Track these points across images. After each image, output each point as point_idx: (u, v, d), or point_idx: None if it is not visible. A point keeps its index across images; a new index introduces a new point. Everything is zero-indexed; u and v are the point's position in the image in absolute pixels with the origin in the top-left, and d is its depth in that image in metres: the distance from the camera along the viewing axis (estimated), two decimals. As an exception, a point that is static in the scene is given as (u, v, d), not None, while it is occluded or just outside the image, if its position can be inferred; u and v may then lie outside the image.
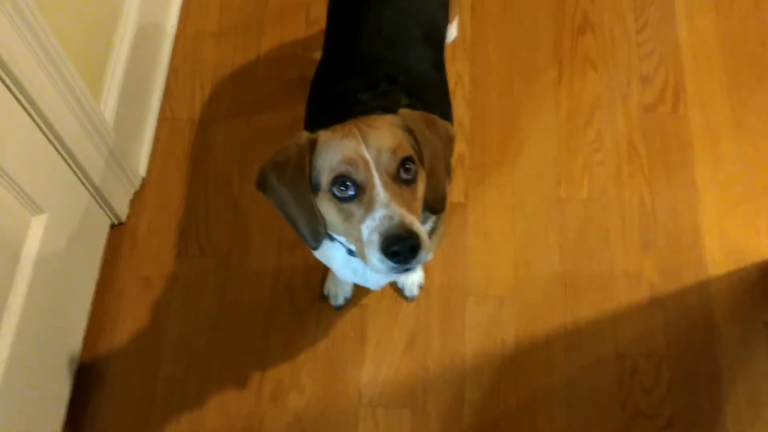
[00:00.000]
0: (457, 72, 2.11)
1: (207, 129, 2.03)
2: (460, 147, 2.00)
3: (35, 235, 1.46)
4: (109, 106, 1.76)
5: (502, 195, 1.94)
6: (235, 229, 1.90)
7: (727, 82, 2.10)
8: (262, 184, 1.14)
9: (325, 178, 1.08)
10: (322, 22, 2.15)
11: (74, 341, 1.71)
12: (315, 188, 1.10)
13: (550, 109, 2.06)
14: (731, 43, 2.16)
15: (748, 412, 1.71)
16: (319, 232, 1.12)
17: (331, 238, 1.24)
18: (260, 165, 1.14)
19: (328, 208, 1.10)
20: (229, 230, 1.90)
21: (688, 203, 1.94)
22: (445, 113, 1.49)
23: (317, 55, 2.11)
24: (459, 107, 2.05)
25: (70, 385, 1.68)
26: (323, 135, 1.11)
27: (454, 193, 1.93)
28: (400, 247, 1.01)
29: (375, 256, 1.03)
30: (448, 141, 1.21)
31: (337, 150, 1.07)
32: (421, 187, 1.13)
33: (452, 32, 2.01)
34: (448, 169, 1.26)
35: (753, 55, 2.14)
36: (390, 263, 1.03)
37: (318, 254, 1.41)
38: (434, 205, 1.17)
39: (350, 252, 1.24)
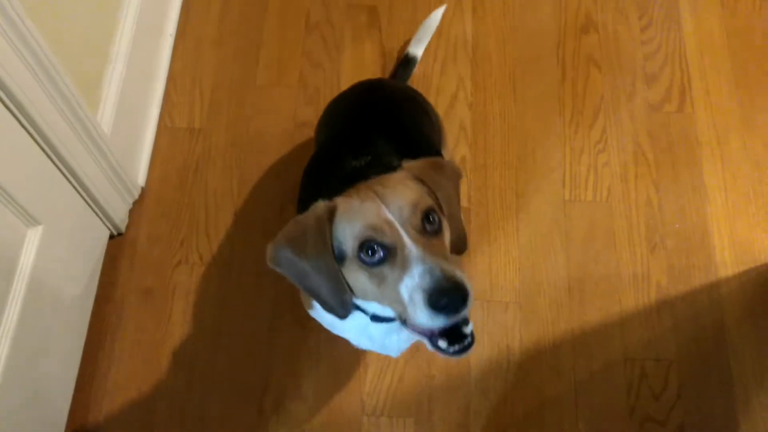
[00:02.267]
0: (458, 74, 2.08)
1: (206, 137, 2.01)
2: (462, 150, 1.97)
3: (31, 248, 1.44)
4: (106, 116, 1.74)
5: (506, 198, 1.91)
6: (235, 237, 1.88)
7: (734, 79, 2.06)
8: (276, 260, 1.09)
9: (350, 246, 1.04)
10: (322, 27, 2.14)
11: (73, 353, 1.69)
12: (339, 258, 1.06)
13: (554, 110, 2.03)
14: (737, 39, 2.12)
15: (762, 416, 1.67)
16: (346, 301, 1.09)
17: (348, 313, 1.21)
18: (271, 242, 1.09)
19: (357, 276, 1.06)
20: (230, 238, 1.88)
21: (696, 203, 1.91)
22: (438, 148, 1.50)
23: (317, 59, 2.11)
24: (460, 110, 2.03)
25: (69, 400, 1.66)
26: (342, 203, 1.08)
27: (457, 197, 1.90)
28: (450, 299, 0.97)
29: (423, 314, 0.98)
30: (457, 179, 1.19)
31: (359, 216, 1.04)
32: (447, 234, 1.10)
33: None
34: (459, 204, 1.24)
35: (760, 51, 2.10)
36: (441, 318, 0.98)
37: (327, 326, 1.38)
38: (458, 246, 1.15)
39: (374, 318, 1.19)
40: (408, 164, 1.14)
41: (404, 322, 1.06)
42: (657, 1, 2.20)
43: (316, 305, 1.31)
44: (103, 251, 1.83)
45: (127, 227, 1.89)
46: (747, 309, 1.79)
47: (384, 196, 1.05)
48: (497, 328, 1.76)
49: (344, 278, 1.07)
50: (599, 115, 2.02)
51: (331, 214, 1.07)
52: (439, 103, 2.04)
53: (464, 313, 1.00)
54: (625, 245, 1.85)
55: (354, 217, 1.04)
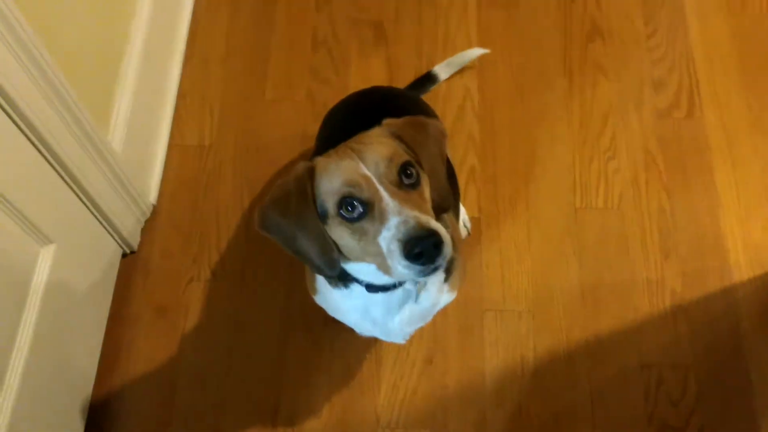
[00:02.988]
0: (465, 86, 2.09)
1: (217, 153, 2.02)
2: (471, 160, 1.97)
3: (44, 266, 1.46)
4: (117, 134, 1.76)
5: (516, 207, 1.91)
6: (246, 252, 1.89)
7: (742, 82, 2.06)
8: (264, 225, 1.10)
9: (330, 204, 1.06)
10: (329, 43, 2.16)
11: (87, 372, 1.69)
12: (322, 217, 1.08)
13: (562, 118, 2.03)
14: (745, 42, 2.12)
15: (782, 421, 1.65)
16: (334, 259, 1.10)
17: (345, 283, 1.22)
18: (258, 206, 1.11)
19: (340, 232, 1.07)
20: (241, 254, 1.89)
21: (709, 207, 1.89)
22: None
23: (324, 75, 2.13)
24: (468, 121, 2.03)
25: (83, 420, 1.66)
26: (320, 162, 1.09)
27: (467, 207, 1.90)
28: (423, 247, 0.99)
29: (400, 264, 1.01)
30: (441, 138, 1.19)
31: (337, 174, 1.06)
32: (426, 189, 1.11)
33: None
34: (448, 164, 1.23)
35: (768, 54, 2.10)
36: (417, 266, 1.00)
37: (331, 312, 1.39)
38: (442, 203, 1.15)
39: (369, 288, 1.20)
40: (387, 121, 1.15)
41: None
42: (663, 7, 2.20)
43: (321, 289, 1.33)
44: (117, 269, 1.84)
45: (140, 245, 1.90)
46: (763, 313, 1.77)
47: (360, 152, 1.06)
48: (511, 337, 1.75)
49: (329, 237, 1.08)
50: (608, 122, 2.02)
51: (311, 173, 1.08)
52: (446, 113, 2.04)
53: (440, 261, 1.01)
54: (638, 251, 1.84)
55: (332, 175, 1.06)
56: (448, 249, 1.02)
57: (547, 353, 1.73)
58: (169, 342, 1.79)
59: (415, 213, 1.01)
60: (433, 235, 0.99)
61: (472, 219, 1.89)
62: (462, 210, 1.86)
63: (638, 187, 1.92)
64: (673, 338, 1.74)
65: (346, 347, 1.75)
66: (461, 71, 2.10)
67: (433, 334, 1.76)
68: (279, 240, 1.11)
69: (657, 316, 1.77)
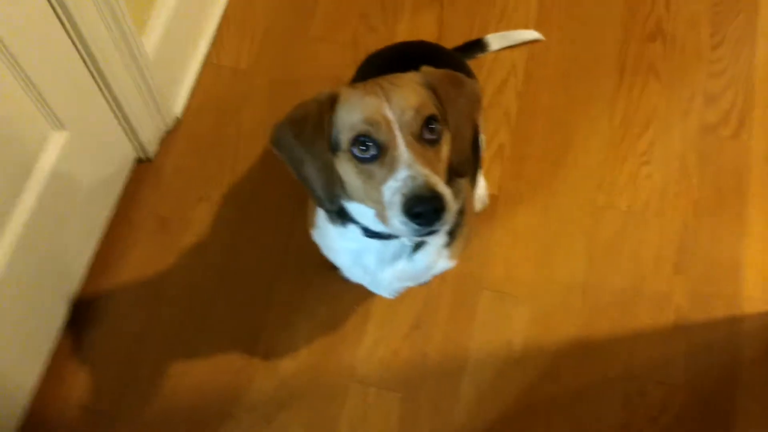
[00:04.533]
0: (512, 61, 2.03)
1: (249, 80, 2.00)
2: (502, 137, 1.92)
3: (52, 151, 1.45)
4: (152, 39, 1.73)
5: (537, 192, 1.86)
6: (259, 183, 1.87)
7: (798, 114, 1.96)
8: (277, 142, 1.08)
9: (345, 138, 1.02)
10: (383, -10, 2.10)
11: (78, 268, 1.70)
12: (334, 148, 1.04)
13: (604, 112, 1.96)
14: (811, 73, 2.02)
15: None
16: (336, 194, 1.07)
17: (343, 221, 1.19)
18: (276, 121, 1.08)
19: (347, 169, 1.04)
20: (253, 184, 1.87)
21: (734, 233, 1.82)
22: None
23: (373, 22, 2.08)
24: (507, 97, 1.98)
25: (66, 313, 1.67)
26: (345, 92, 1.05)
27: (489, 182, 1.85)
28: (424, 209, 0.96)
29: (397, 218, 0.98)
30: (475, 100, 1.14)
31: (359, 108, 1.02)
32: (445, 148, 1.07)
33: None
34: (475, 131, 1.19)
35: (832, 91, 2.00)
36: (413, 225, 0.98)
37: (325, 250, 1.37)
38: (459, 168, 1.12)
39: (366, 232, 1.18)
40: (425, 68, 1.10)
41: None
42: (734, 21, 2.10)
43: (319, 224, 1.30)
44: (128, 173, 1.83)
45: (156, 154, 1.89)
46: (766, 351, 1.71)
47: (389, 92, 1.02)
48: (502, 320, 1.72)
49: (336, 170, 1.05)
50: (650, 127, 1.95)
51: (334, 101, 1.05)
52: (488, 85, 1.99)
53: (437, 227, 0.98)
54: (651, 261, 1.79)
55: (354, 109, 1.02)
56: (449, 216, 0.99)
57: (535, 343, 1.70)
58: (164, 255, 1.79)
59: (427, 171, 0.98)
60: (438, 199, 0.96)
61: (490, 196, 1.84)
62: (482, 183, 1.82)
63: (666, 197, 1.86)
64: (667, 355, 1.69)
65: (336, 297, 1.73)
66: (511, 46, 2.03)
67: (425, 299, 1.73)
68: (286, 160, 1.08)
69: (655, 329, 1.72)
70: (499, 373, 1.67)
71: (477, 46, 1.96)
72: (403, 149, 0.99)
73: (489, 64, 2.02)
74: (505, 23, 2.09)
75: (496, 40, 1.98)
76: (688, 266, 1.78)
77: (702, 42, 2.07)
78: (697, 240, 1.81)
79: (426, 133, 1.03)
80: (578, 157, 1.90)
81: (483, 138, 1.67)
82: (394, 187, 0.98)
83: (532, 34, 2.02)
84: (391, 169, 0.99)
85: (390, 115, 1.01)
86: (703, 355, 1.70)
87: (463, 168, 1.13)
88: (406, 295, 1.72)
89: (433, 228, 0.99)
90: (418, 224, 0.97)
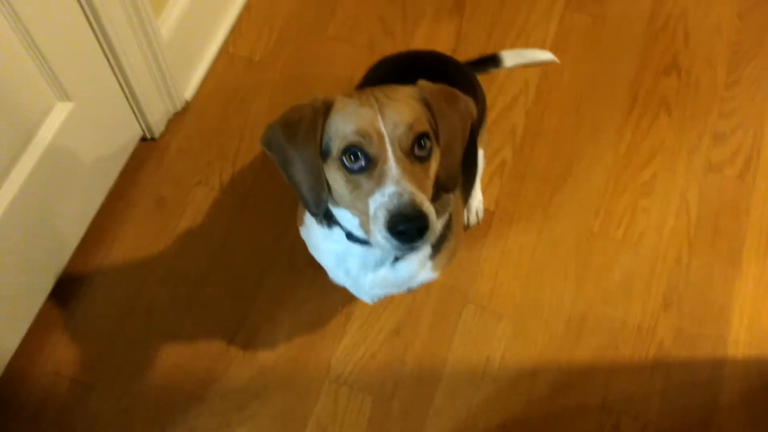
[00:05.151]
0: (525, 79, 2.03)
1: (262, 73, 2.02)
2: (504, 154, 1.92)
3: (55, 121, 1.47)
4: (168, 22, 1.75)
5: (533, 212, 1.85)
6: (259, 175, 1.88)
7: (805, 166, 1.95)
8: (268, 142, 1.09)
9: (336, 146, 1.03)
10: (403, -5, 2.11)
11: (70, 240, 1.72)
12: (324, 154, 1.05)
13: (610, 140, 1.96)
14: (823, 124, 2.00)
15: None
16: (322, 199, 1.08)
17: (329, 223, 1.20)
18: (269, 123, 1.09)
19: (335, 177, 1.05)
20: (254, 176, 1.88)
21: (726, 275, 1.81)
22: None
23: (390, 27, 2.09)
24: (516, 114, 1.98)
25: (52, 282, 1.69)
26: (340, 100, 1.06)
27: (486, 197, 1.86)
28: (407, 227, 0.97)
29: (380, 233, 0.99)
30: (468, 117, 1.14)
31: (352, 119, 1.02)
32: (434, 165, 1.08)
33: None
34: (469, 147, 1.20)
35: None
36: (395, 242, 0.99)
37: (311, 248, 1.38)
38: (446, 183, 1.13)
39: (349, 237, 1.18)
40: (422, 83, 1.11)
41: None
42: (751, 63, 2.09)
43: (307, 222, 1.32)
44: (131, 150, 1.85)
45: (162, 135, 1.91)
46: (745, 397, 1.70)
47: (383, 105, 1.03)
48: (483, 336, 1.72)
49: (324, 176, 1.06)
50: (654, 159, 1.94)
51: (328, 108, 1.05)
52: (498, 100, 1.99)
53: (419, 245, 0.99)
54: (640, 294, 1.78)
55: (347, 118, 1.03)
56: (431, 236, 1.00)
57: (514, 363, 1.69)
58: (158, 235, 1.81)
59: (413, 189, 0.99)
60: (422, 218, 0.97)
61: (486, 211, 1.85)
62: (479, 196, 1.82)
63: (662, 231, 1.85)
64: (644, 390, 1.68)
65: (322, 295, 1.74)
66: (526, 66, 2.03)
67: (409, 306, 1.73)
68: (276, 161, 1.09)
69: (636, 363, 1.71)
70: (474, 388, 1.67)
71: (491, 60, 1.95)
72: (392, 164, 1.00)
73: (502, 80, 2.02)
74: (523, 41, 2.09)
75: (510, 57, 1.97)
76: (676, 303, 1.77)
77: (717, 80, 2.06)
78: (688, 278, 1.80)
79: (416, 149, 1.03)
80: (578, 181, 1.90)
81: (482, 152, 1.67)
82: (380, 202, 0.99)
83: (547, 55, 2.02)
84: (379, 182, 1.00)
85: (382, 128, 1.01)
86: (680, 395, 1.68)
87: (451, 184, 1.14)
88: (390, 301, 1.73)
89: (414, 245, 0.99)
90: (400, 241, 0.98)
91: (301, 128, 1.05)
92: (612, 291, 1.78)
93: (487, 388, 1.67)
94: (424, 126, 1.05)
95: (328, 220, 1.20)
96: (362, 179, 1.02)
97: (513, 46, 2.07)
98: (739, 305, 1.78)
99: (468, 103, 1.14)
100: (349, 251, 1.25)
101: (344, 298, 1.73)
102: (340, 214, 1.15)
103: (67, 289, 1.73)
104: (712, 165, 1.94)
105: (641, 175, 1.92)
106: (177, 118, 1.93)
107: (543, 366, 1.70)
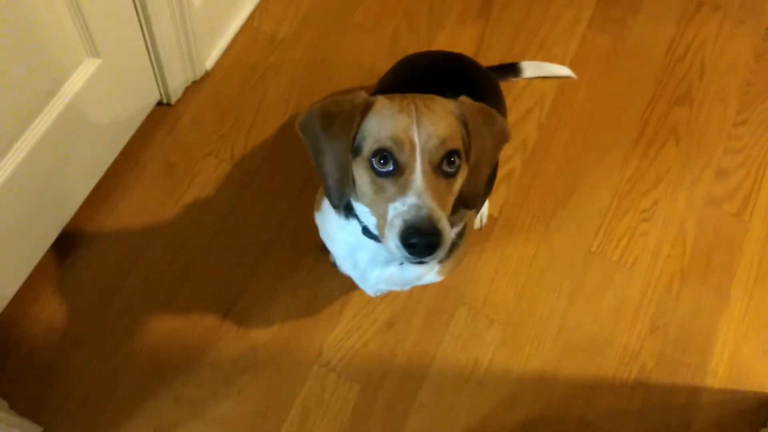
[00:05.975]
0: (541, 92, 2.05)
1: (284, 50, 2.02)
2: (514, 164, 1.95)
3: (81, 76, 1.47)
4: (201, -10, 1.75)
5: (536, 225, 1.88)
6: (270, 153, 1.89)
7: (803, 211, 2.00)
8: (304, 127, 1.10)
9: (368, 146, 1.04)
10: (433, -6, 2.12)
11: (76, 196, 1.71)
12: (355, 151, 1.06)
13: (617, 162, 1.99)
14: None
15: None
16: (346, 194, 1.09)
17: (347, 214, 1.21)
18: (310, 107, 1.10)
19: (362, 175, 1.06)
20: (265, 152, 1.89)
21: (714, 307, 1.86)
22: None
23: (416, 23, 2.10)
24: (529, 126, 2.00)
25: (54, 235, 1.69)
26: (380, 102, 1.07)
27: (492, 203, 1.88)
28: (419, 241, 0.98)
29: (393, 241, 1.01)
30: (502, 140, 1.16)
31: (388, 123, 1.03)
32: (459, 182, 1.09)
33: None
34: (492, 169, 1.21)
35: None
36: (405, 252, 1.00)
37: (323, 234, 1.39)
38: (468, 201, 1.14)
39: (365, 231, 1.20)
40: (464, 99, 1.12)
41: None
42: (762, 104, 2.14)
43: (323, 208, 1.33)
44: (147, 112, 1.85)
45: (178, 101, 1.91)
46: (717, 425, 1.75)
47: (421, 115, 1.03)
48: (473, 339, 1.75)
49: (352, 171, 1.07)
50: (658, 186, 1.98)
51: (368, 107, 1.07)
52: (513, 110, 2.02)
53: (428, 260, 1.02)
54: (629, 316, 1.82)
55: (384, 121, 1.04)
56: (441, 254, 1.01)
57: (500, 368, 1.73)
58: (164, 201, 1.81)
59: (434, 204, 1.00)
60: (436, 235, 0.99)
61: (490, 217, 1.87)
62: (486, 203, 1.84)
63: (657, 257, 1.89)
64: (623, 409, 1.72)
65: (321, 279, 1.76)
66: (544, 78, 2.06)
67: (405, 301, 1.76)
68: (308, 145, 1.10)
69: (617, 382, 1.75)
70: (459, 388, 1.70)
71: (511, 69, 1.98)
72: (418, 175, 1.01)
73: (519, 90, 2.05)
74: (543, 54, 2.12)
75: (530, 68, 2.00)
76: (662, 329, 1.82)
77: (727, 117, 2.11)
78: (677, 305, 1.85)
79: (445, 164, 1.04)
80: (582, 199, 1.93)
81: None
82: (399, 210, 1.00)
83: (565, 71, 2.05)
84: (402, 190, 1.01)
85: (416, 138, 1.02)
86: (656, 416, 1.73)
87: (472, 202, 1.15)
88: (387, 295, 1.75)
89: (423, 259, 1.01)
90: (410, 253, 1.00)
91: (338, 121, 1.06)
92: (602, 310, 1.82)
93: (471, 390, 1.71)
94: (457, 143, 1.06)
95: (347, 211, 1.22)
96: (387, 183, 1.03)
97: (534, 57, 2.10)
98: (723, 338, 1.83)
99: (504, 125, 1.15)
100: (361, 244, 1.26)
101: (343, 285, 1.75)
102: (361, 208, 1.16)
103: (68, 244, 1.73)
104: (712, 199, 1.99)
105: (643, 201, 1.96)
106: (195, 87, 1.93)
107: (528, 374, 1.74)
